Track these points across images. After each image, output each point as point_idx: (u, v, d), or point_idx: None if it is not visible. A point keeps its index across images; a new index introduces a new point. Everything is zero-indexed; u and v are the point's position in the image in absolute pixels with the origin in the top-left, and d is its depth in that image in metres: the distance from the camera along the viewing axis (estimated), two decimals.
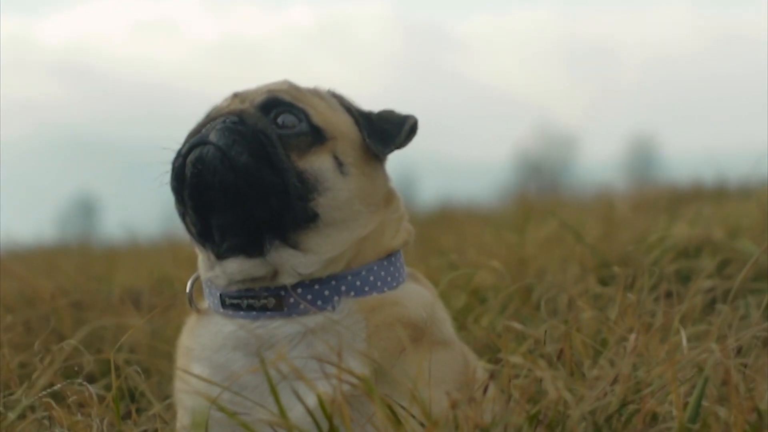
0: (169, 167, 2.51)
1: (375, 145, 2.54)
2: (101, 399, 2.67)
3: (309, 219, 2.46)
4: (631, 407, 2.36)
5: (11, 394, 2.87)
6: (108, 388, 2.80)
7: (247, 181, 2.41)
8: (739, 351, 2.74)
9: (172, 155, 2.51)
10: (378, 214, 2.55)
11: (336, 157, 2.50)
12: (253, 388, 2.41)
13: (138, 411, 2.90)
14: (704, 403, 2.33)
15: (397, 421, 2.25)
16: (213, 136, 2.44)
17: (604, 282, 4.03)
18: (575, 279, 4.13)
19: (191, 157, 2.44)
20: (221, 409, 2.31)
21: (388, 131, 2.57)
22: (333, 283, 2.48)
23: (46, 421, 2.64)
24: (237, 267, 2.47)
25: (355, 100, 2.66)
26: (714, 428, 2.27)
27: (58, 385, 2.67)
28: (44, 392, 2.64)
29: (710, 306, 3.70)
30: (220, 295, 2.51)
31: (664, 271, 3.76)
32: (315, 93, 2.60)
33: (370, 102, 2.66)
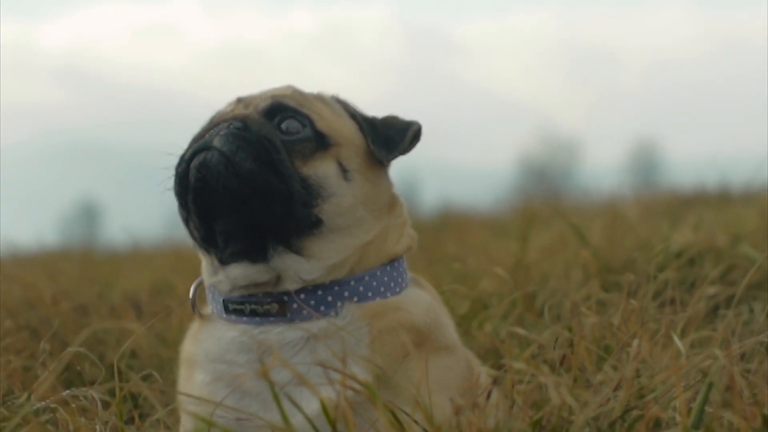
0: (172, 172, 2.50)
1: (379, 152, 2.54)
2: (105, 404, 2.66)
3: (312, 225, 2.45)
4: (635, 413, 2.36)
5: (15, 398, 2.87)
6: (110, 393, 2.80)
7: (251, 187, 2.41)
8: (742, 357, 2.74)
9: (175, 161, 2.51)
10: (381, 220, 2.55)
11: (340, 163, 2.50)
12: (256, 394, 2.40)
13: (141, 416, 2.90)
14: (708, 408, 2.33)
15: (400, 426, 2.25)
16: (217, 142, 2.44)
17: (607, 288, 4.03)
18: (578, 285, 4.13)
19: (195, 163, 2.44)
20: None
21: (392, 137, 2.57)
22: (336, 288, 2.47)
23: (50, 426, 2.64)
24: (240, 272, 2.46)
25: (357, 105, 2.66)
26: None
27: (65, 392, 2.66)
28: (50, 400, 2.64)
29: (714, 312, 3.70)
30: (223, 300, 2.51)
31: (667, 277, 3.76)
32: (319, 99, 2.60)
33: (372, 106, 2.65)
